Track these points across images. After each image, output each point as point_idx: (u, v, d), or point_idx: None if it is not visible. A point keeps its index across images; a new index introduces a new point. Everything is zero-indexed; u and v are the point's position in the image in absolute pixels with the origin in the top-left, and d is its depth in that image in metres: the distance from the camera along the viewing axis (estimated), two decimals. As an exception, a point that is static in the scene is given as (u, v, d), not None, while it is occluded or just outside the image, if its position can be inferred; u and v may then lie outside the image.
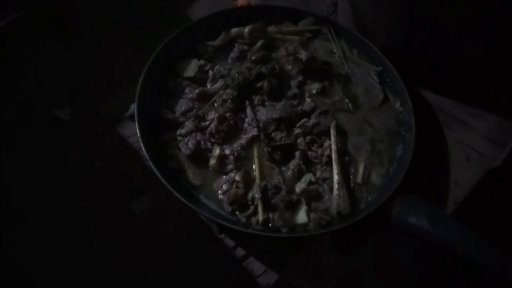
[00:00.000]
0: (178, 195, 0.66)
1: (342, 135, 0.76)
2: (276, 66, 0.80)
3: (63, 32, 1.46)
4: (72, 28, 1.46)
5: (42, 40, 1.50)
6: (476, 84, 0.85)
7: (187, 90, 0.79)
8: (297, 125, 0.76)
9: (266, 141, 0.73)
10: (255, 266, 0.69)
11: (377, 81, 0.82)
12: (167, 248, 1.24)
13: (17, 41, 1.49)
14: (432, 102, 0.85)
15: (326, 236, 0.71)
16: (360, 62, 0.84)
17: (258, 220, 0.67)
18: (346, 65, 0.84)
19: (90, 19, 1.55)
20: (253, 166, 0.73)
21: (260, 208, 0.68)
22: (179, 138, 0.75)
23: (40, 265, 1.21)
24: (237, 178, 0.70)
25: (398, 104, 0.80)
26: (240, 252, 0.69)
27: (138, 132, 0.70)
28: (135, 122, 0.73)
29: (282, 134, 0.74)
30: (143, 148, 0.68)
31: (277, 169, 0.72)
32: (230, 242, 0.70)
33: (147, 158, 0.68)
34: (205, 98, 0.79)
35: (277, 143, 0.73)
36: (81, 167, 1.36)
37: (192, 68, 0.81)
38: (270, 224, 0.67)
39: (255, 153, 0.74)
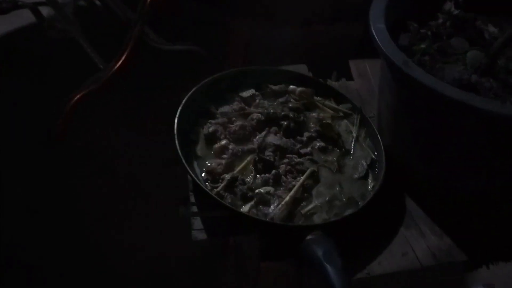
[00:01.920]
0: (180, 154, 0.91)
1: (314, 181, 0.94)
2: (303, 118, 1.05)
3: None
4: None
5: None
6: (456, 211, 0.97)
7: (235, 102, 1.08)
8: (287, 156, 0.97)
9: (257, 152, 0.96)
10: (197, 223, 0.89)
11: (368, 163, 0.99)
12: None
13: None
14: (407, 206, 0.98)
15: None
16: (366, 148, 1.03)
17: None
18: (352, 145, 1.04)
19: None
20: (241, 165, 0.96)
21: (222, 185, 0.90)
22: (208, 124, 1.02)
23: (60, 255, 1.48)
24: (223, 162, 0.94)
25: (371, 185, 0.96)
26: (194, 209, 0.91)
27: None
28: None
29: (273, 155, 0.96)
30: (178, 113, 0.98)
31: (253, 173, 0.94)
32: (193, 199, 0.93)
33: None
34: (242, 112, 1.06)
35: (263, 157, 0.95)
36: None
37: (248, 93, 1.10)
38: (222, 199, 0.89)
39: (248, 158, 0.97)
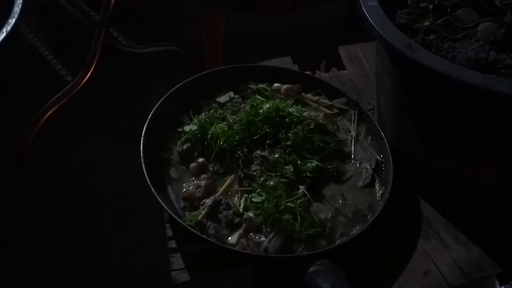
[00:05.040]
0: (148, 180, 0.76)
1: (312, 194, 0.79)
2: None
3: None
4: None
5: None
6: (480, 213, 0.83)
7: (211, 111, 0.93)
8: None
9: (242, 167, 0.81)
10: (177, 261, 0.75)
11: (373, 167, 0.85)
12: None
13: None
14: (424, 213, 0.84)
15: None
16: (368, 148, 0.88)
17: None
18: (353, 146, 0.89)
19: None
20: (224, 184, 0.81)
21: (203, 212, 0.75)
22: (182, 139, 0.87)
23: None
24: (202, 184, 0.79)
25: (379, 193, 0.81)
26: (172, 244, 0.77)
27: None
28: None
29: (260, 168, 0.81)
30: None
31: (239, 194, 0.80)
32: (169, 232, 0.78)
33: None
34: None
35: (250, 173, 0.81)
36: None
37: (225, 98, 0.95)
38: (204, 230, 0.74)
39: (232, 176, 0.82)
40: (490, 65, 0.69)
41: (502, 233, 0.81)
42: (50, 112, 1.65)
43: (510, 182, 0.85)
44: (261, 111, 0.88)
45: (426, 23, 0.73)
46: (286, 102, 0.92)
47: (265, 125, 0.87)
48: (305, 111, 0.92)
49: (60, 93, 1.67)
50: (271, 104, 0.89)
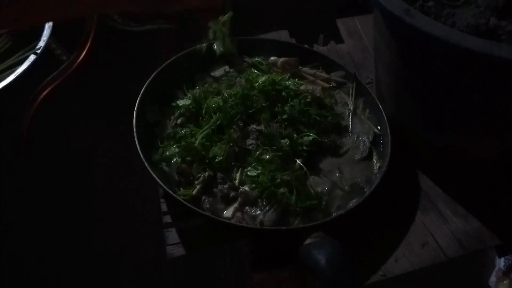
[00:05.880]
0: (142, 155, 0.74)
1: (308, 168, 0.78)
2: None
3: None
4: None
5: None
6: (479, 187, 0.82)
7: (206, 85, 0.91)
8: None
9: (237, 141, 0.80)
10: (172, 236, 0.74)
11: (370, 140, 0.83)
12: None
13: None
14: (422, 186, 0.83)
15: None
16: (366, 121, 0.87)
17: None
18: (350, 119, 0.87)
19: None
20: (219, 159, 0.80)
21: (198, 187, 0.74)
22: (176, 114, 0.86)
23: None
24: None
25: (376, 166, 0.80)
26: (167, 219, 0.76)
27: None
28: None
29: (256, 142, 0.80)
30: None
31: (235, 168, 0.78)
32: (164, 207, 0.77)
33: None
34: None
35: (245, 147, 0.79)
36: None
37: (220, 72, 0.93)
38: (200, 205, 0.73)
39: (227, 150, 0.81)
40: (491, 32, 0.66)
41: (501, 205, 0.80)
42: (47, 91, 1.63)
43: (510, 156, 0.84)
44: (257, 84, 0.86)
45: (425, -11, 0.71)
46: (283, 76, 0.90)
47: (261, 99, 0.85)
48: (302, 84, 0.91)
49: (56, 72, 1.65)
50: (267, 77, 0.87)
